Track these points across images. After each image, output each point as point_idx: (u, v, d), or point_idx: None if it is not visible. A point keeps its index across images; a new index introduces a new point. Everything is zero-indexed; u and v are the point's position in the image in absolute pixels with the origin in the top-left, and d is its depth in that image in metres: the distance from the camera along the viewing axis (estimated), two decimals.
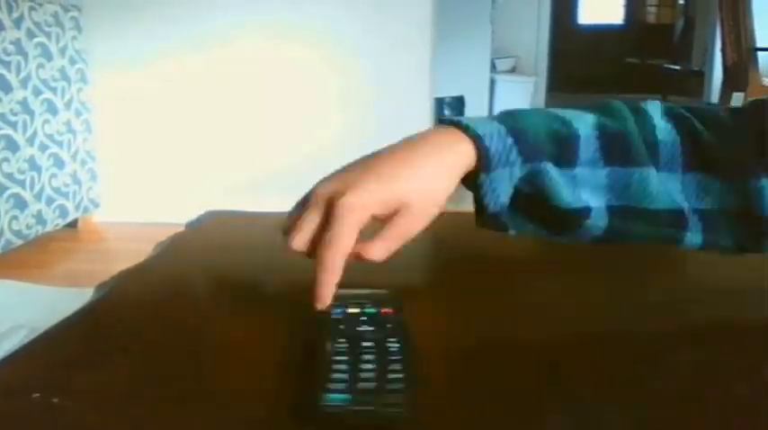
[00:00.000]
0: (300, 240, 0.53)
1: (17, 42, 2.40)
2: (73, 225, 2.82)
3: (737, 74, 4.76)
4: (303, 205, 0.55)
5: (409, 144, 0.55)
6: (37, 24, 2.50)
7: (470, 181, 0.55)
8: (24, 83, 2.44)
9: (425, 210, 0.53)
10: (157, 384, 0.49)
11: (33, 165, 2.50)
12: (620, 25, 10.87)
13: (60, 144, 2.66)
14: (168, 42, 2.96)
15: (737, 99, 4.72)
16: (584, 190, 0.56)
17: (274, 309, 0.62)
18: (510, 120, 0.56)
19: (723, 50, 4.96)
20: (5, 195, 2.36)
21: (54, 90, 2.61)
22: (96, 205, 2.93)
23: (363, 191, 0.52)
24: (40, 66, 2.53)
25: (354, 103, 3.00)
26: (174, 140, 3.04)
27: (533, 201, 0.56)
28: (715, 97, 5.35)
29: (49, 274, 2.42)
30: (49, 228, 2.60)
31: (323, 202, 0.53)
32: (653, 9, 11.11)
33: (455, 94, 4.21)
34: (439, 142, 0.54)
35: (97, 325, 0.60)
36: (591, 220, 0.57)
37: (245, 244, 0.85)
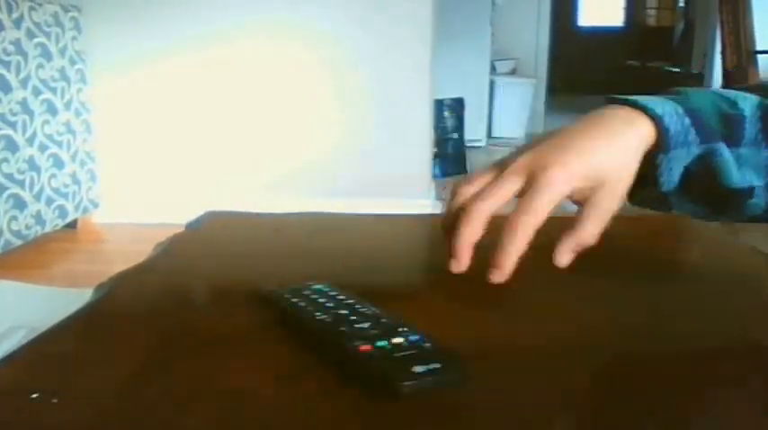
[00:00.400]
0: (494, 205, 0.53)
1: (17, 42, 2.40)
2: (72, 225, 2.82)
3: (737, 76, 4.76)
4: (489, 174, 0.56)
5: (597, 122, 0.57)
6: (37, 24, 2.50)
7: (644, 159, 0.55)
8: (24, 83, 2.44)
9: (619, 185, 0.54)
10: (157, 385, 0.49)
11: (33, 166, 2.50)
12: (620, 28, 10.90)
13: (60, 144, 2.66)
14: (168, 43, 2.96)
15: None
16: (747, 170, 0.57)
17: (273, 310, 0.62)
18: (683, 99, 0.57)
19: (723, 53, 4.96)
20: (5, 195, 2.35)
21: (54, 90, 2.61)
22: (96, 206, 2.93)
23: (567, 164, 0.52)
24: (40, 66, 2.53)
25: (354, 105, 3.00)
26: (174, 141, 3.04)
27: (702, 180, 0.57)
28: None
29: (48, 275, 2.41)
30: (48, 228, 2.60)
31: (524, 173, 0.53)
32: (653, 12, 11.13)
33: (455, 95, 4.21)
34: (623, 121, 0.56)
35: (96, 325, 0.60)
36: (754, 199, 0.58)
37: (245, 244, 0.85)
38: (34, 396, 0.46)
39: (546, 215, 0.51)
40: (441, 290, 0.63)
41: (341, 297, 0.57)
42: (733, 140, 0.57)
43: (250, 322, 0.59)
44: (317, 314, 0.53)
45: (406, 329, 0.49)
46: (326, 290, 0.58)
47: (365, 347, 0.47)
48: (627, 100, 0.57)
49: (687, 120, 0.55)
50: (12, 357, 0.52)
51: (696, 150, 0.55)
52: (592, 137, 0.55)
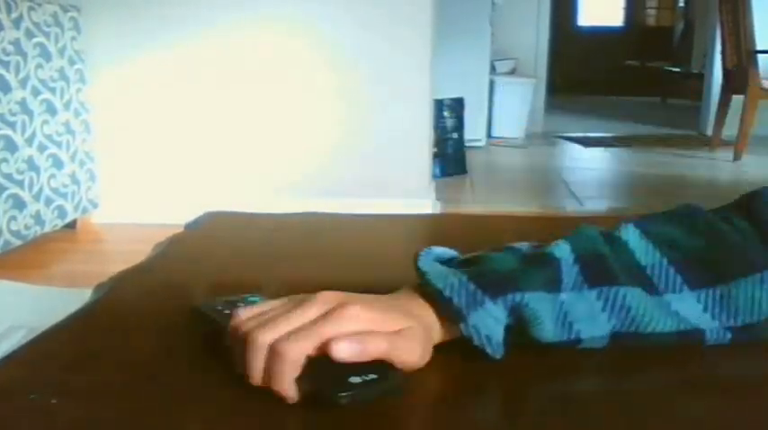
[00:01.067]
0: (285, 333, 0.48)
1: (16, 42, 2.40)
2: (71, 226, 2.82)
3: (737, 76, 4.77)
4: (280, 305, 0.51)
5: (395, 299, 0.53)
6: (36, 24, 2.50)
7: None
8: (23, 83, 2.44)
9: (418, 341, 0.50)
10: (155, 385, 0.49)
11: (32, 166, 2.50)
12: (619, 27, 10.90)
13: (59, 144, 2.66)
14: (167, 43, 2.96)
15: (737, 102, 4.73)
16: (576, 319, 0.51)
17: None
18: (481, 265, 0.53)
19: (723, 53, 4.97)
20: (4, 196, 2.35)
21: (53, 90, 2.61)
22: (95, 206, 2.93)
23: (372, 305, 0.49)
24: (39, 66, 2.52)
25: (354, 105, 3.00)
26: (173, 141, 3.04)
27: (522, 333, 0.51)
28: (715, 99, 5.36)
29: (47, 275, 2.41)
30: (47, 228, 2.60)
31: (324, 305, 0.49)
32: (653, 11, 11.13)
33: (454, 95, 4.21)
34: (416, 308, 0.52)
35: (95, 326, 0.60)
36: (585, 344, 0.52)
37: (245, 245, 0.85)
38: (33, 396, 0.46)
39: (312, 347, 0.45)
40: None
41: None
42: (548, 286, 0.51)
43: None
44: None
45: None
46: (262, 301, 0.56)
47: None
48: (424, 274, 0.52)
49: (472, 286, 0.50)
50: (11, 357, 0.52)
51: (495, 306, 0.49)
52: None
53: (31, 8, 2.47)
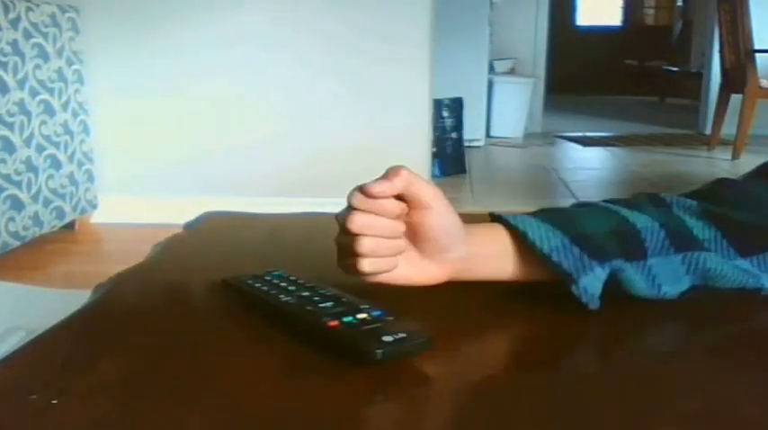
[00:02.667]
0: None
1: (14, 43, 2.39)
2: (70, 226, 2.82)
3: (736, 75, 4.77)
4: None
5: None
6: (34, 25, 2.50)
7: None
8: (21, 84, 2.44)
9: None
10: (155, 385, 0.49)
11: (30, 167, 2.49)
12: (618, 27, 10.90)
13: (57, 145, 2.65)
14: (166, 43, 2.96)
15: (736, 101, 4.73)
16: (663, 279, 0.61)
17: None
18: (572, 225, 0.62)
19: (721, 52, 4.97)
20: (2, 197, 2.35)
21: (51, 91, 2.61)
22: (93, 206, 2.93)
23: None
24: (37, 66, 2.52)
25: (353, 104, 3.00)
26: (172, 141, 3.03)
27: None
28: (713, 99, 5.37)
29: (46, 276, 2.41)
30: (45, 229, 2.59)
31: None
32: (651, 11, 11.14)
33: (453, 95, 4.21)
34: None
35: (95, 326, 0.60)
36: (666, 297, 0.62)
37: (244, 245, 0.85)
38: (33, 397, 0.46)
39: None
40: (440, 289, 0.63)
41: (301, 281, 0.61)
42: (635, 254, 0.61)
43: (248, 323, 0.59)
44: (281, 297, 0.58)
45: (367, 306, 0.54)
46: (286, 275, 0.63)
47: (333, 323, 0.52)
48: (516, 227, 0.61)
49: (576, 250, 0.59)
50: (11, 358, 0.52)
51: (602, 271, 0.59)
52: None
53: (29, 8, 2.46)
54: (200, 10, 2.93)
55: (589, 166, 4.68)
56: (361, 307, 0.54)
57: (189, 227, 0.89)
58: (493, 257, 0.62)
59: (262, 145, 3.03)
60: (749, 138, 4.71)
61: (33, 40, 2.49)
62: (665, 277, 0.61)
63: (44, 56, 2.56)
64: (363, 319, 0.52)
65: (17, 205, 2.42)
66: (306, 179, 3.01)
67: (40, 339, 0.55)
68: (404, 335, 0.50)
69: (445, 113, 4.16)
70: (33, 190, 2.51)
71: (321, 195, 2.94)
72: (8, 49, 2.36)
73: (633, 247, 0.61)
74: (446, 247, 0.60)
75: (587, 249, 0.59)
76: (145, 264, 0.74)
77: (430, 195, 0.59)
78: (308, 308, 0.55)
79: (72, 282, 2.24)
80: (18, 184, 2.43)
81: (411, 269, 0.60)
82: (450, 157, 4.11)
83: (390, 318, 0.53)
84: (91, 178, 2.89)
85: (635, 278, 0.60)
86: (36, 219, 2.53)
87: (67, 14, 2.70)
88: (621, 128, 6.40)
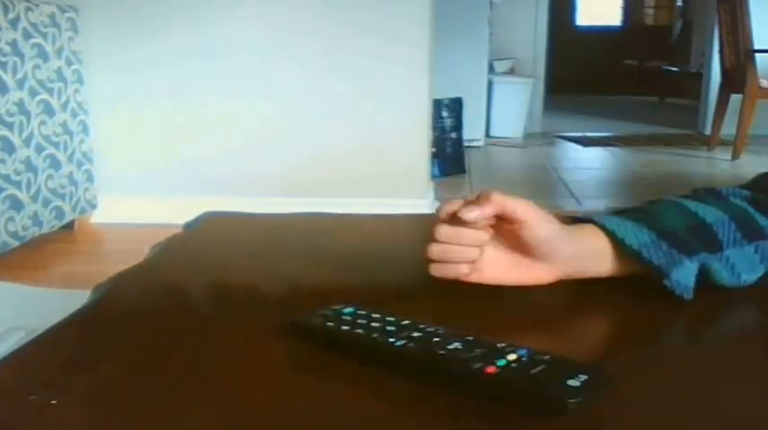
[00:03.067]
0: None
1: (13, 43, 2.39)
2: (69, 226, 2.81)
3: (735, 76, 4.77)
4: None
5: None
6: (33, 25, 2.50)
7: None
8: (21, 84, 2.43)
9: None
10: (155, 386, 0.48)
11: (29, 167, 2.49)
12: (618, 27, 10.90)
13: (57, 145, 2.65)
14: (165, 43, 2.95)
15: (735, 101, 4.73)
16: (741, 267, 0.66)
17: (271, 311, 0.62)
18: (652, 220, 0.66)
19: (721, 52, 4.97)
20: (1, 197, 2.35)
21: (50, 91, 2.61)
22: (93, 206, 2.93)
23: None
24: (37, 66, 2.52)
25: (352, 104, 2.99)
26: (171, 141, 3.03)
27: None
28: (713, 99, 5.37)
29: (45, 276, 2.41)
30: (45, 229, 2.59)
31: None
32: (651, 11, 11.14)
33: (453, 95, 4.21)
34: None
35: (95, 327, 0.60)
36: (745, 284, 0.67)
37: (243, 245, 0.84)
38: (33, 397, 0.46)
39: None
40: (439, 289, 0.63)
41: (389, 318, 0.54)
42: (713, 247, 0.65)
43: (247, 323, 0.59)
44: (392, 340, 0.51)
45: (503, 344, 0.49)
46: (360, 311, 0.56)
47: (491, 369, 0.46)
48: (604, 226, 0.65)
49: (664, 245, 0.63)
50: (11, 358, 0.51)
51: (691, 263, 0.63)
52: None
53: (28, 8, 2.46)
54: (200, 10, 2.93)
55: (589, 166, 4.68)
56: (498, 345, 0.49)
57: (188, 227, 0.89)
58: (593, 256, 0.66)
59: (261, 145, 3.03)
60: (749, 138, 4.71)
61: (33, 40, 2.49)
62: (742, 266, 0.66)
63: (43, 56, 2.55)
64: (519, 360, 0.47)
65: (16, 205, 2.42)
66: (305, 179, 3.01)
67: (39, 339, 0.55)
68: (586, 377, 0.44)
69: (445, 113, 4.16)
70: (33, 190, 2.51)
71: (321, 195, 2.94)
72: (7, 49, 2.36)
73: (710, 240, 0.66)
74: (549, 253, 0.64)
75: (674, 244, 0.64)
76: (144, 265, 0.74)
77: (524, 213, 0.62)
78: (441, 352, 0.48)
79: (71, 282, 2.24)
80: (17, 184, 2.43)
81: (509, 271, 0.65)
82: (449, 157, 4.11)
83: (545, 356, 0.47)
84: (90, 178, 2.89)
85: (720, 269, 0.65)
86: (35, 219, 2.53)
87: (67, 14, 2.70)
88: (621, 128, 6.40)
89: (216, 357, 0.53)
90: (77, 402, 0.46)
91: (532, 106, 5.90)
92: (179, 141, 3.03)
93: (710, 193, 0.72)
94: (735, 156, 4.64)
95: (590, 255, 0.65)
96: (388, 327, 0.52)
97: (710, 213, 0.68)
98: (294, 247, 0.83)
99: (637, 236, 0.64)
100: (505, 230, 0.64)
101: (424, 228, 1.00)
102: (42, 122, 2.55)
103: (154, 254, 0.78)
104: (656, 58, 9.34)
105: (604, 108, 8.06)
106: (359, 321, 0.54)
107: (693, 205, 0.68)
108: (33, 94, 2.50)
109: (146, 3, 2.93)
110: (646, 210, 0.68)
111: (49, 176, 2.60)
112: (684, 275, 0.63)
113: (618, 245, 0.64)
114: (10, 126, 2.38)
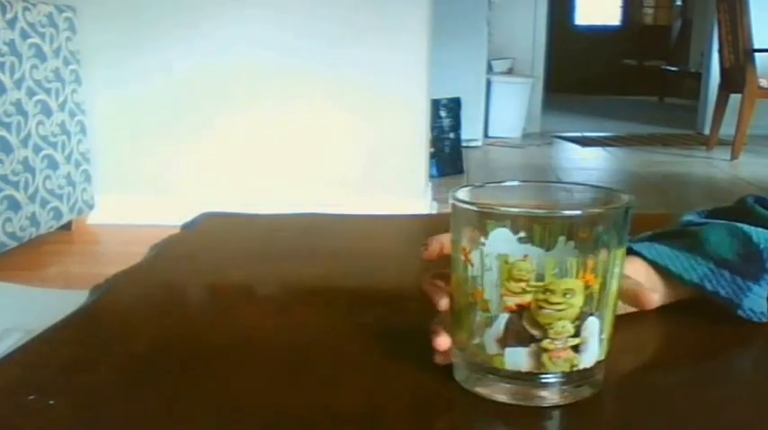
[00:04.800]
0: None
1: (11, 43, 2.39)
2: (67, 227, 2.81)
3: (735, 75, 4.77)
4: None
5: None
6: (31, 25, 2.49)
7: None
8: (18, 84, 2.43)
9: None
10: (153, 386, 0.48)
11: (27, 167, 2.49)
12: (617, 26, 10.91)
13: (54, 145, 2.65)
14: (163, 43, 2.95)
15: (735, 101, 4.73)
16: None
17: (270, 311, 0.62)
18: (702, 248, 0.62)
19: (720, 52, 4.97)
20: None
21: (48, 91, 2.60)
22: (90, 207, 2.92)
23: None
24: (34, 67, 2.51)
25: (351, 105, 2.99)
26: (169, 141, 3.03)
27: None
28: (712, 99, 5.37)
29: (43, 277, 2.40)
30: (42, 230, 2.59)
31: None
32: (650, 10, 11.15)
33: (451, 95, 4.21)
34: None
35: (92, 327, 0.59)
36: None
37: (241, 245, 0.84)
38: (32, 397, 0.46)
39: None
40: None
41: None
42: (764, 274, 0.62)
43: (246, 324, 0.58)
44: None
45: None
46: None
47: None
48: (655, 262, 0.62)
49: (726, 274, 0.61)
50: (8, 359, 0.51)
51: (760, 289, 0.61)
52: None
53: (25, 8, 2.46)
54: (198, 10, 2.93)
55: (587, 166, 4.68)
56: None
57: (187, 227, 0.88)
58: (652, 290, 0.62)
59: (259, 145, 3.02)
60: (748, 138, 4.71)
61: (30, 40, 2.49)
62: None
63: (41, 56, 2.55)
64: None
65: (14, 206, 2.42)
66: (303, 179, 3.01)
67: (37, 340, 0.55)
68: None
69: (443, 113, 4.16)
70: (30, 190, 2.50)
71: (320, 195, 2.94)
72: (5, 49, 2.36)
73: (761, 267, 0.63)
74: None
75: (736, 271, 0.61)
76: (142, 265, 0.74)
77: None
78: None
79: (69, 282, 2.24)
80: (15, 185, 2.42)
81: None
82: (447, 157, 4.11)
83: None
84: (88, 179, 2.89)
85: None
86: (33, 219, 2.52)
87: (64, 14, 2.70)
88: (620, 128, 6.40)
89: (215, 357, 0.53)
90: (75, 402, 0.46)
91: (531, 106, 5.91)
92: (177, 142, 3.03)
93: (758, 201, 0.69)
94: (734, 156, 4.65)
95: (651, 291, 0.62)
96: None
97: (756, 235, 0.64)
98: (293, 248, 0.83)
99: (694, 268, 0.62)
100: None
101: (421, 228, 1.00)
102: (40, 123, 2.55)
103: (152, 254, 0.78)
104: (655, 57, 9.36)
105: (603, 108, 8.07)
106: None
107: (740, 225, 0.65)
108: (31, 94, 2.50)
109: (144, 3, 2.93)
110: (691, 234, 0.65)
111: (47, 177, 2.60)
112: (757, 302, 0.61)
113: (666, 274, 0.62)
114: (7, 126, 2.38)
